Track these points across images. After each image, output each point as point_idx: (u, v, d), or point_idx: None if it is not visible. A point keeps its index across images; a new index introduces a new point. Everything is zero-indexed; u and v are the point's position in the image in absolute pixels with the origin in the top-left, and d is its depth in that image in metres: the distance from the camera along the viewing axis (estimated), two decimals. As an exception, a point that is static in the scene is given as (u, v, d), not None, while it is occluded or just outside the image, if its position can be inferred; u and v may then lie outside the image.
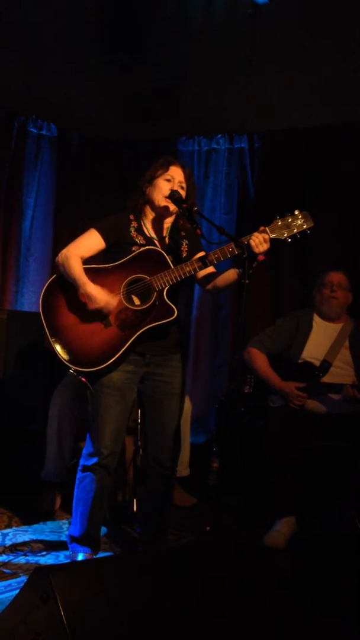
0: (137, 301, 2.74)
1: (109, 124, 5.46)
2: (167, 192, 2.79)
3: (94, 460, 2.80)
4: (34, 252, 5.07)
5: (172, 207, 2.81)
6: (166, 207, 2.82)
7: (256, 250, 2.63)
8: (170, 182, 2.81)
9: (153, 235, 2.87)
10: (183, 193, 2.81)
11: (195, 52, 5.22)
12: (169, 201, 2.79)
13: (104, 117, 5.44)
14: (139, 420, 3.49)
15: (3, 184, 4.87)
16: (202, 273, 2.87)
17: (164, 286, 2.69)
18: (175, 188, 2.79)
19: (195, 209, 2.72)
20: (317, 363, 3.68)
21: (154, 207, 2.86)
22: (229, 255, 2.66)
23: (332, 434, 3.55)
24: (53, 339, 2.76)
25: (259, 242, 2.63)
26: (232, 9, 5.08)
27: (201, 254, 2.84)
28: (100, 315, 2.74)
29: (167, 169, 2.82)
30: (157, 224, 2.89)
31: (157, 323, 2.71)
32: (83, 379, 2.72)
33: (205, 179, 5.17)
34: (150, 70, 5.33)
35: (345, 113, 4.63)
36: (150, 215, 2.89)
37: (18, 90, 4.93)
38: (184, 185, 2.82)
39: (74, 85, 5.20)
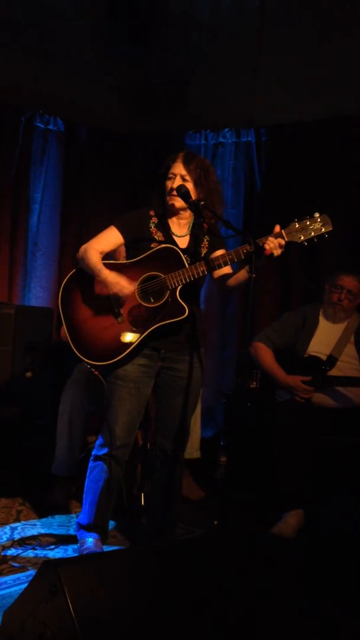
0: (151, 298, 2.76)
1: (116, 118, 5.45)
2: (169, 191, 2.81)
3: (105, 450, 2.84)
4: (41, 246, 5.09)
5: (178, 204, 2.81)
6: (172, 204, 2.83)
7: (269, 251, 2.61)
8: (171, 179, 2.82)
9: (173, 231, 2.88)
10: (189, 185, 2.80)
11: (203, 45, 5.20)
12: (174, 198, 2.80)
13: (111, 111, 5.43)
14: (151, 415, 3.51)
15: (10, 179, 4.88)
16: (218, 273, 2.87)
17: (177, 285, 2.71)
18: (175, 185, 2.79)
19: (203, 203, 2.72)
20: (324, 358, 3.68)
21: (166, 205, 2.87)
22: (243, 257, 2.65)
23: (340, 427, 3.55)
24: (69, 332, 2.82)
25: (275, 246, 2.61)
26: (239, 1, 5.06)
27: (221, 251, 2.83)
28: (114, 310, 2.77)
29: (169, 167, 2.84)
30: (176, 220, 2.90)
31: (168, 321, 2.73)
32: (95, 372, 2.77)
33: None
34: (157, 65, 5.31)
35: (354, 106, 4.61)
36: (167, 212, 2.89)
37: (25, 85, 4.93)
38: (187, 178, 2.80)
39: (80, 80, 5.18)
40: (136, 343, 2.74)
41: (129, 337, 2.74)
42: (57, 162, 5.16)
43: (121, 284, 2.72)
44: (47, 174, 5.10)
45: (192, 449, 3.97)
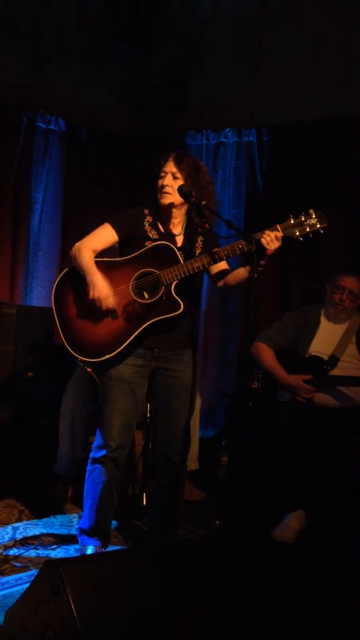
0: (146, 295, 2.76)
1: (118, 118, 5.46)
2: (160, 188, 2.82)
3: (103, 452, 2.82)
4: (42, 246, 5.09)
5: (171, 200, 2.80)
6: (163, 202, 2.83)
7: (267, 247, 2.63)
8: (162, 177, 2.83)
9: (167, 230, 2.89)
10: (175, 183, 2.80)
11: (203, 45, 5.20)
12: (165, 195, 2.80)
13: (112, 111, 5.43)
14: (148, 415, 3.51)
15: (12, 179, 4.89)
16: (214, 270, 2.88)
17: (172, 281, 2.71)
18: (166, 183, 2.80)
19: (204, 202, 2.72)
20: (325, 358, 3.67)
21: (158, 204, 2.88)
22: (238, 252, 2.66)
23: (342, 427, 3.55)
24: (62, 329, 2.81)
25: (270, 240, 2.62)
26: (240, 1, 5.06)
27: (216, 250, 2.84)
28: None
29: (161, 167, 2.85)
30: (169, 220, 2.90)
31: (162, 317, 2.72)
32: (89, 369, 2.75)
33: (214, 172, 5.16)
34: (159, 65, 5.32)
35: (354, 106, 4.61)
36: (160, 210, 2.90)
37: (26, 85, 4.94)
38: (178, 175, 2.80)
39: (82, 80, 5.19)
40: (131, 339, 2.71)
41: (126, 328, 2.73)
42: (58, 162, 5.16)
43: (106, 293, 2.71)
44: (48, 174, 5.10)
45: (191, 461, 3.95)
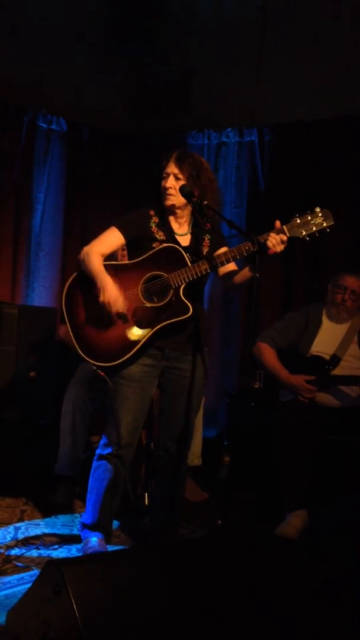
0: (155, 298, 2.76)
1: (119, 118, 5.46)
2: (163, 191, 2.83)
3: (109, 449, 2.85)
4: (44, 246, 5.09)
5: (172, 202, 2.82)
6: (167, 204, 2.84)
7: (272, 250, 2.62)
8: (165, 179, 2.84)
9: (174, 230, 2.89)
10: (178, 184, 2.80)
11: (205, 45, 5.20)
12: (168, 197, 2.82)
13: (113, 111, 5.43)
14: (154, 414, 3.51)
15: (13, 179, 4.89)
16: (223, 270, 2.88)
17: (180, 284, 2.72)
18: (168, 185, 2.81)
19: (205, 202, 2.72)
20: (327, 358, 3.67)
21: (163, 205, 2.88)
22: (245, 254, 2.66)
23: (344, 427, 3.55)
24: (73, 334, 2.82)
25: (276, 242, 2.62)
26: (241, 1, 5.06)
27: (223, 249, 2.84)
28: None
29: (163, 167, 2.86)
30: (175, 220, 2.91)
31: (172, 320, 2.73)
32: (101, 373, 2.77)
33: (215, 172, 5.15)
34: (160, 65, 5.32)
35: (356, 105, 4.60)
36: (165, 211, 2.90)
37: (28, 85, 4.93)
38: (180, 176, 2.81)
39: (83, 80, 5.19)
40: (142, 343, 2.74)
41: (137, 332, 2.73)
42: (60, 162, 5.16)
43: (115, 296, 2.70)
44: (50, 174, 5.10)
45: (193, 457, 3.96)
